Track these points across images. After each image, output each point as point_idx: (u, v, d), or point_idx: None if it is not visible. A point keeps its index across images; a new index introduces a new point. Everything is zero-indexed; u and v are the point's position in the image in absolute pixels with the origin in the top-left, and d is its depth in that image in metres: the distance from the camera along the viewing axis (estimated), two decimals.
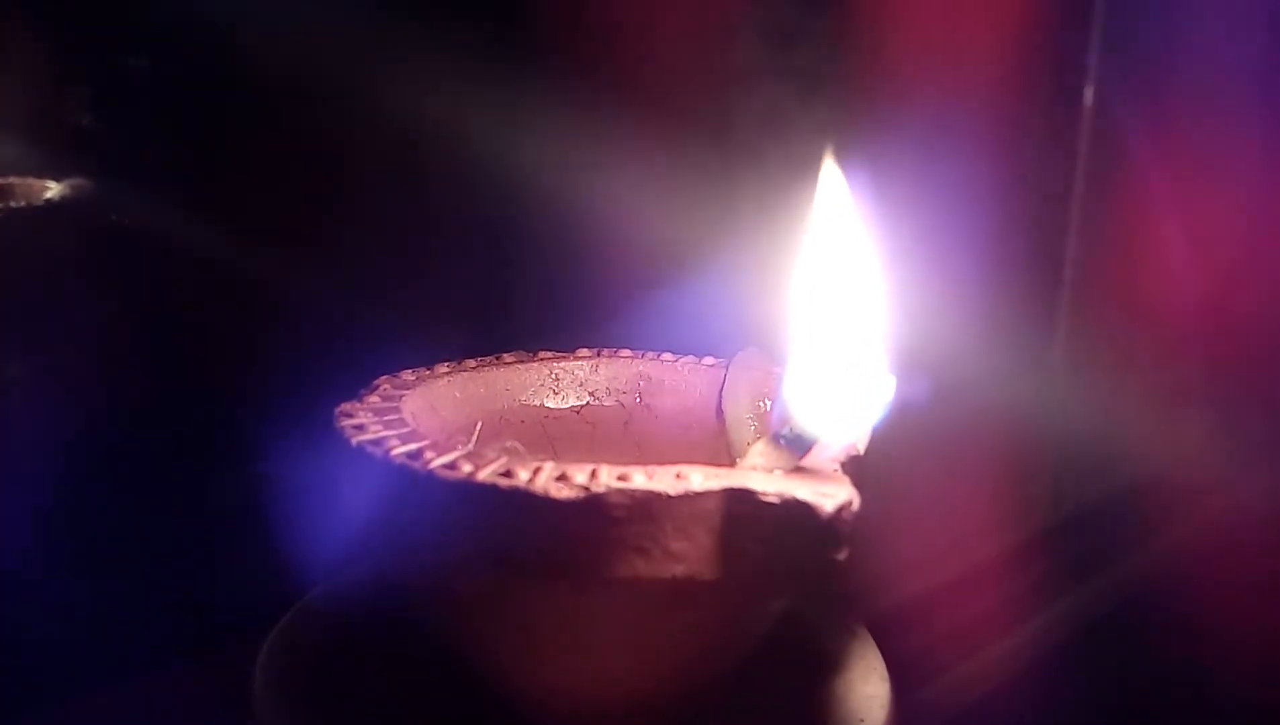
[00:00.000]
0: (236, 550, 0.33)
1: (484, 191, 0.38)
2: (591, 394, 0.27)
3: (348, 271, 0.36)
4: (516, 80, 0.37)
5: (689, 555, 0.18)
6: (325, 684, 0.23)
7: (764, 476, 0.19)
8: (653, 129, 0.40)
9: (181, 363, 0.34)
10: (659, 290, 0.35)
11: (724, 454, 0.25)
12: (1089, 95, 0.62)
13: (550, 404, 0.26)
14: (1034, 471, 0.60)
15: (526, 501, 0.18)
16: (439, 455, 0.19)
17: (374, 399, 0.22)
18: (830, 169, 0.22)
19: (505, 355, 0.27)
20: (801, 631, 0.25)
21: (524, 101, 0.38)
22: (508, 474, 0.18)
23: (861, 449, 0.21)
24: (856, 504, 0.18)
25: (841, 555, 0.18)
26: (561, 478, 0.18)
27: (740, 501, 0.18)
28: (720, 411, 0.26)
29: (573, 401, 0.27)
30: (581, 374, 0.27)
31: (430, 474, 0.19)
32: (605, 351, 0.27)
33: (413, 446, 0.19)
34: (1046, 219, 0.64)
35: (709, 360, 0.27)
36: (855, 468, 0.20)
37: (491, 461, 0.19)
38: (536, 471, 0.18)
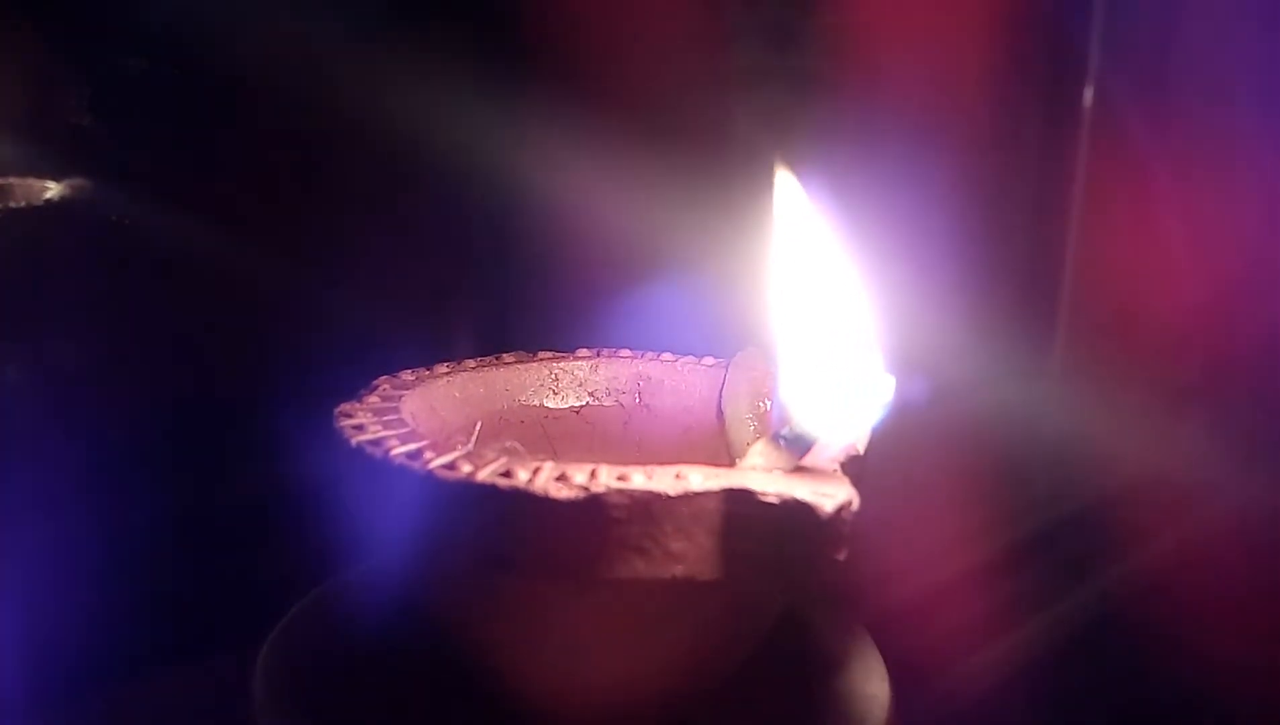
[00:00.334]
0: (236, 550, 0.33)
1: (484, 192, 0.38)
2: (591, 394, 0.27)
3: (347, 271, 0.36)
4: (514, 82, 0.37)
5: (688, 555, 0.18)
6: (325, 684, 0.23)
7: (764, 476, 0.19)
8: (651, 129, 0.40)
9: (180, 363, 0.34)
10: (658, 290, 0.35)
11: (723, 454, 0.25)
12: (1089, 95, 0.62)
13: (550, 404, 0.26)
14: (1033, 472, 0.60)
15: (526, 502, 0.18)
16: (438, 455, 0.19)
17: (373, 399, 0.22)
18: (784, 175, 0.22)
19: (505, 355, 0.27)
20: (801, 631, 0.25)
21: (523, 103, 0.38)
22: (507, 474, 0.18)
23: (861, 449, 0.21)
24: (856, 504, 0.18)
25: (841, 555, 0.18)
26: (561, 478, 0.18)
27: (740, 502, 0.18)
28: (720, 411, 0.26)
29: (572, 401, 0.27)
30: (581, 374, 0.27)
31: (429, 474, 0.19)
32: (605, 351, 0.27)
33: (412, 447, 0.19)
34: (1045, 220, 0.64)
35: (709, 360, 0.27)
36: (855, 468, 0.20)
37: (491, 462, 0.19)
38: (536, 472, 0.18)
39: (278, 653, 0.23)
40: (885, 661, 0.25)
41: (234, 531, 0.33)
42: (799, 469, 0.20)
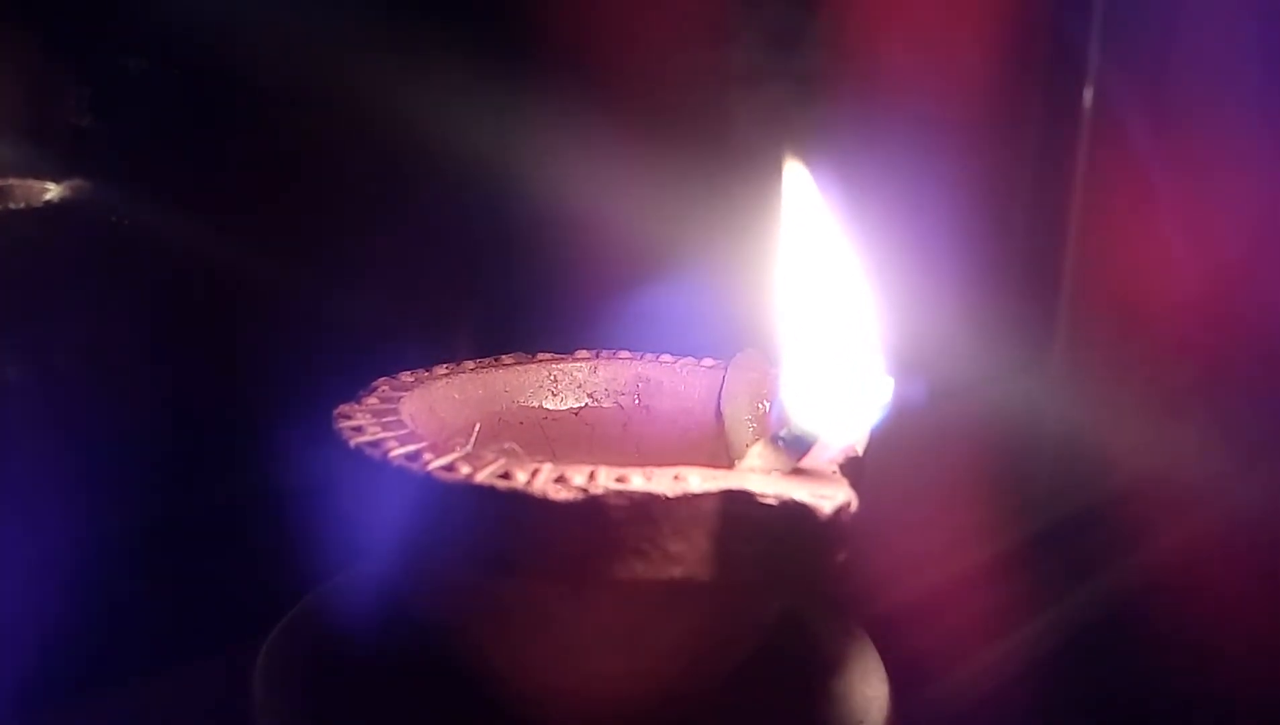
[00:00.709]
0: (236, 551, 0.33)
1: (483, 193, 0.38)
2: (590, 395, 0.27)
3: (346, 272, 0.36)
4: (514, 84, 0.37)
5: (687, 557, 0.18)
6: (325, 685, 0.23)
7: (762, 478, 0.19)
8: (651, 131, 0.40)
9: (180, 365, 0.34)
10: (658, 292, 0.35)
11: (722, 455, 0.25)
12: (1089, 95, 0.62)
13: (549, 405, 0.26)
14: (1032, 473, 0.60)
15: (525, 503, 0.18)
16: (437, 457, 0.19)
17: (372, 401, 0.22)
18: (795, 170, 0.22)
19: (504, 357, 0.27)
20: (801, 633, 0.25)
21: (522, 105, 0.38)
22: (506, 476, 0.18)
23: (860, 450, 0.21)
24: (855, 505, 0.18)
25: (840, 557, 0.18)
26: (560, 479, 0.18)
27: (739, 503, 0.18)
28: (719, 413, 0.26)
29: (571, 403, 0.27)
30: (580, 375, 0.27)
31: (428, 476, 0.19)
32: (604, 353, 0.27)
33: (411, 448, 0.19)
34: (1045, 219, 0.64)
35: (708, 362, 0.27)
36: (854, 469, 0.20)
37: (490, 463, 0.19)
38: (535, 473, 0.18)
39: (277, 654, 0.23)
40: (884, 662, 0.25)
41: (234, 532, 0.33)
42: (798, 470, 0.20)
